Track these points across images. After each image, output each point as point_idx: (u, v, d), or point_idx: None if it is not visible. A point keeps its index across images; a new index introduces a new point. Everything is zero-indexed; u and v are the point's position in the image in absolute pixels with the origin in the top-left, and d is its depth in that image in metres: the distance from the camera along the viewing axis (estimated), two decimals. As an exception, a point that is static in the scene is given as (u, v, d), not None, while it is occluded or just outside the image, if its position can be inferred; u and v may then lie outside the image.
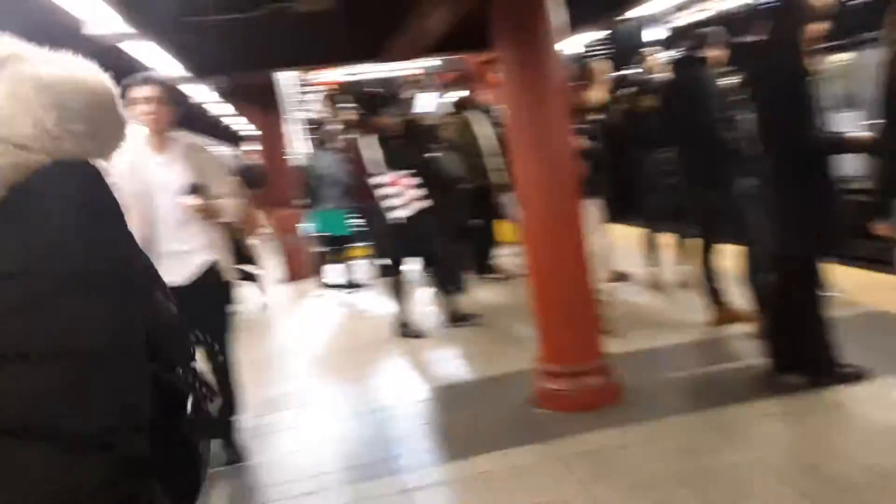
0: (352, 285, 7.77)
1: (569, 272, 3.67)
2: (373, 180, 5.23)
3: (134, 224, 2.88)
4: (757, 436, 3.17)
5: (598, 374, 3.66)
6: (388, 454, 3.47)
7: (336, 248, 7.87)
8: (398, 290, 5.56)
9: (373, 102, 6.64)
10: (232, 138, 21.62)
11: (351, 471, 3.36)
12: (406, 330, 5.49)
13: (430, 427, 3.77)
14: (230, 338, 3.38)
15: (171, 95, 3.21)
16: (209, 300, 3.19)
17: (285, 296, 8.07)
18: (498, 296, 6.47)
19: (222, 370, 3.36)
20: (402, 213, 5.14)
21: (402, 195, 5.16)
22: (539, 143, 3.61)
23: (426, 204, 5.18)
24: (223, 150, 20.13)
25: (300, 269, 8.67)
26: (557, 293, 3.68)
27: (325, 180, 7.58)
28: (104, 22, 4.36)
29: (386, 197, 5.14)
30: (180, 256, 3.14)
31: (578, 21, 6.49)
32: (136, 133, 3.09)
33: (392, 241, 5.39)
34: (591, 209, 4.31)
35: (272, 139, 9.04)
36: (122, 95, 2.70)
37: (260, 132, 9.26)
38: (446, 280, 5.72)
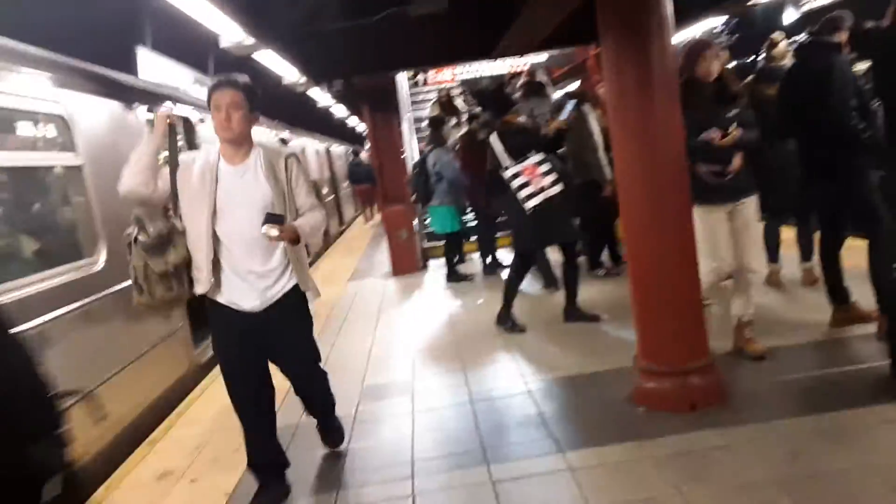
0: (461, 278, 8.00)
1: (673, 267, 3.59)
2: (506, 172, 5.36)
3: (190, 239, 2.93)
4: (871, 442, 2.97)
5: (702, 374, 3.56)
6: (484, 444, 3.56)
7: (448, 242, 8.14)
8: (519, 280, 5.68)
9: (497, 101, 6.86)
10: (354, 138, 22.53)
11: (447, 458, 3.49)
12: (510, 324, 5.59)
13: (527, 420, 3.82)
14: (314, 350, 3.49)
15: (251, 99, 2.94)
16: (287, 322, 3.14)
17: (393, 288, 8.38)
18: (606, 291, 6.40)
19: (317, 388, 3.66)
20: (535, 202, 5.23)
21: (534, 184, 5.27)
22: (642, 136, 3.55)
23: (557, 190, 5.22)
24: (339, 148, 21.02)
25: (408, 263, 9.02)
26: (660, 288, 3.62)
27: (438, 177, 7.82)
28: (235, 35, 4.73)
29: (521, 187, 5.27)
30: (253, 280, 2.99)
31: (699, 8, 6.29)
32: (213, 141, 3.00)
33: (531, 231, 5.43)
34: (752, 204, 4.12)
35: (386, 138, 9.42)
36: (208, 99, 2.84)
37: (374, 131, 9.66)
38: (568, 274, 5.71)
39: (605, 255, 7.31)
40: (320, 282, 8.04)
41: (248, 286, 2.99)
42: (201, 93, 6.86)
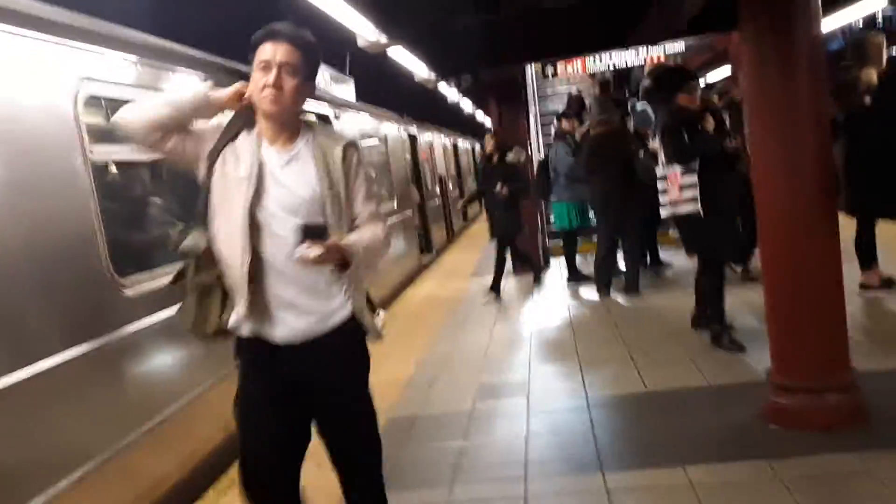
0: (581, 278, 7.81)
1: (814, 274, 3.31)
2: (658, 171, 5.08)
3: (219, 242, 2.09)
4: None
5: (841, 392, 3.28)
6: (600, 451, 3.48)
7: (566, 241, 7.97)
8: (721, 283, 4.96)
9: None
10: (480, 133, 22.69)
11: (561, 463, 3.44)
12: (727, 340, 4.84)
13: (646, 429, 3.69)
14: (372, 423, 2.37)
15: (310, 65, 2.13)
16: (334, 362, 2.20)
17: (514, 286, 8.35)
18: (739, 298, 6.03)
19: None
20: (665, 213, 5.02)
21: (670, 194, 4.88)
22: (784, 131, 3.30)
23: (688, 210, 4.72)
24: (465, 143, 21.17)
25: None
26: (798, 298, 3.35)
27: (555, 173, 7.68)
28: (371, 34, 4.91)
29: (663, 192, 5.01)
30: (292, 308, 2.12)
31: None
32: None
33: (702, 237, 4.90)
34: None
35: (512, 132, 9.39)
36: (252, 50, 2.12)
37: (500, 125, 9.66)
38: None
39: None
40: (444, 277, 8.17)
41: (283, 313, 2.13)
42: (338, 90, 7.19)
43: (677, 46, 8.67)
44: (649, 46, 8.51)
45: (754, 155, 3.52)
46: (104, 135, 3.43)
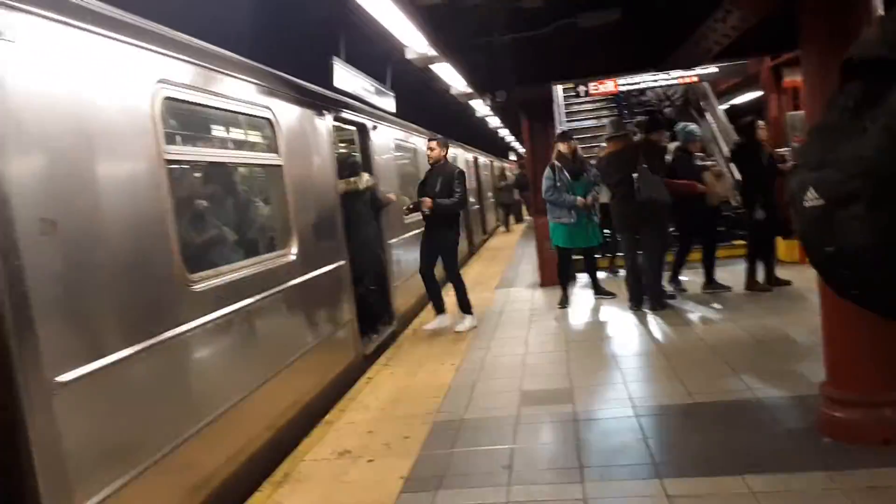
0: (605, 293, 7.84)
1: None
2: None
3: None
4: None
5: (899, 407, 3.31)
6: (654, 458, 3.53)
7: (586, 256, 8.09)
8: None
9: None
10: (503, 149, 22.83)
11: (616, 468, 3.49)
12: None
13: (699, 439, 3.73)
14: None
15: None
16: None
17: (542, 299, 8.40)
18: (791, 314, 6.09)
19: None
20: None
21: None
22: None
23: None
24: (485, 159, 21.29)
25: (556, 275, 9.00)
26: (854, 310, 3.37)
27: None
28: (418, 47, 5.03)
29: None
30: None
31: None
32: None
33: None
34: None
35: (541, 148, 9.49)
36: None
37: (530, 141, 9.76)
38: None
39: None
40: (470, 287, 8.13)
41: None
42: (378, 102, 7.32)
43: (709, 69, 8.78)
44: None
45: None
46: (176, 136, 3.54)
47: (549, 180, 7.54)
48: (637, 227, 7.01)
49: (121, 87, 3.10)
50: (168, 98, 3.45)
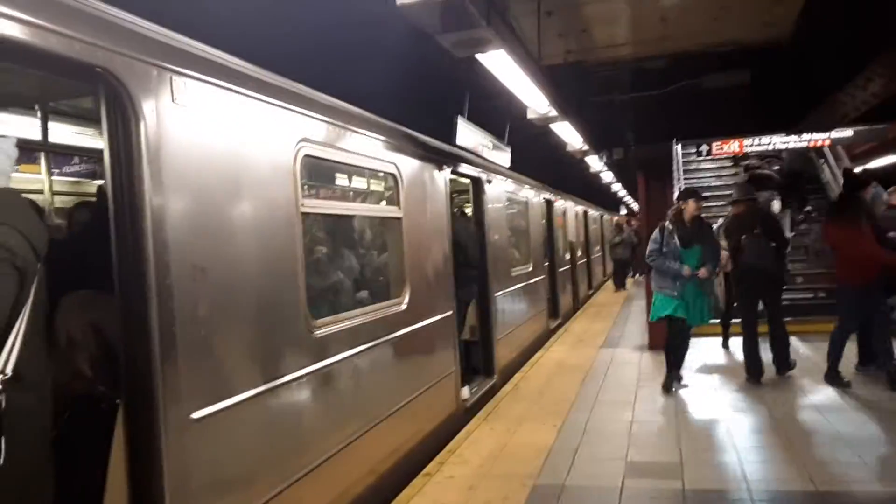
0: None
1: None
2: None
3: None
4: None
5: None
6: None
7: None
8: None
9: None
10: (614, 204, 22.48)
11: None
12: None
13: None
14: None
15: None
16: None
17: (649, 362, 8.11)
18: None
19: None
20: None
21: None
22: None
23: None
24: (595, 212, 21.04)
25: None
26: None
27: None
28: (540, 107, 5.15)
29: None
30: None
31: None
32: None
33: None
34: None
35: (658, 206, 9.31)
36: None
37: (646, 199, 9.60)
38: None
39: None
40: (572, 344, 8.00)
41: None
42: (494, 156, 7.49)
43: (845, 132, 8.35)
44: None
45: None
46: (311, 189, 3.79)
47: (656, 243, 6.69)
48: (755, 294, 6.68)
49: (269, 146, 3.38)
50: (307, 155, 3.72)
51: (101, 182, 3.91)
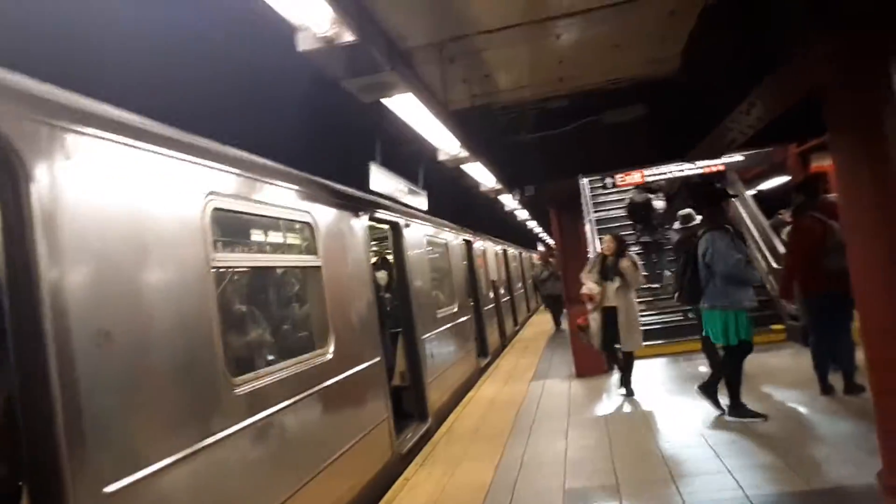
0: (752, 415, 5.87)
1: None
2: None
3: None
4: None
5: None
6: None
7: (726, 359, 6.21)
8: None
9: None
10: (529, 241, 22.99)
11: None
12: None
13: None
14: None
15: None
16: None
17: (579, 391, 8.25)
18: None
19: None
20: None
21: None
22: (881, 232, 3.37)
23: None
24: (514, 250, 21.48)
25: (593, 364, 8.89)
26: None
27: (708, 271, 6.81)
28: (450, 149, 5.26)
29: None
30: None
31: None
32: None
33: None
34: None
35: (571, 239, 9.62)
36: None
37: (560, 233, 9.90)
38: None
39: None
40: (503, 381, 8.08)
41: None
42: (411, 201, 7.55)
43: (735, 157, 8.95)
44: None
45: (851, 257, 3.58)
46: (222, 244, 3.69)
47: (732, 247, 5.79)
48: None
49: (174, 201, 3.28)
50: (217, 209, 3.64)
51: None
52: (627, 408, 7.10)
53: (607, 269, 7.44)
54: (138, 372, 2.83)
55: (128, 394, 2.74)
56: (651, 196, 11.28)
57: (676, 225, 9.20)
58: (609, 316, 7.42)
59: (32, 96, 2.54)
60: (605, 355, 8.32)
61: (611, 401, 7.50)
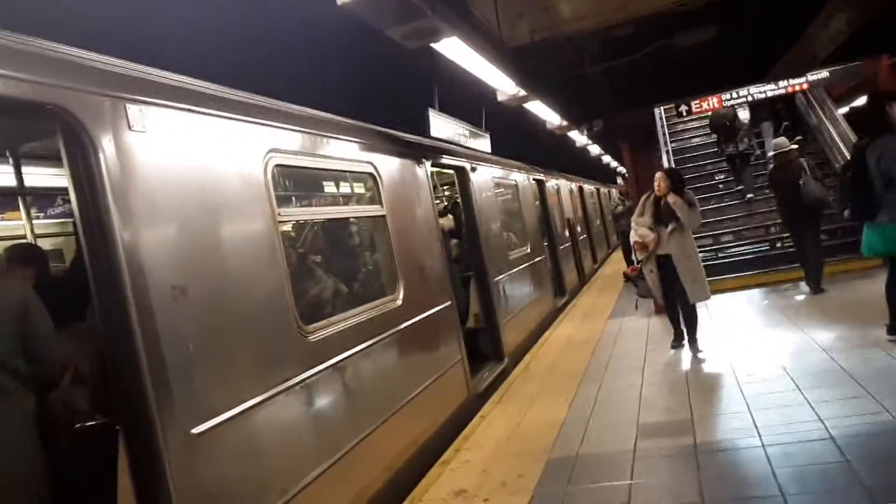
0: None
1: None
2: None
3: None
4: None
5: None
6: (784, 492, 3.33)
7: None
8: None
9: None
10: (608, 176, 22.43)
11: (743, 502, 3.32)
12: None
13: (831, 469, 3.48)
14: None
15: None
16: None
17: (657, 328, 8.12)
18: None
19: None
20: None
21: None
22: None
23: None
24: (590, 187, 21.00)
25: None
26: None
27: (886, 181, 6.01)
28: (509, 89, 5.17)
29: None
30: None
31: None
32: None
33: None
34: None
35: (646, 172, 9.31)
36: None
37: (633, 166, 9.60)
38: None
39: None
40: (580, 320, 8.08)
41: None
42: (474, 144, 7.51)
43: (821, 73, 8.32)
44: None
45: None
46: (287, 198, 3.84)
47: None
48: None
49: (236, 161, 3.42)
50: (278, 165, 3.77)
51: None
52: (706, 345, 6.96)
53: (661, 212, 6.51)
54: (214, 323, 3.03)
55: (206, 344, 2.95)
56: (735, 106, 10.78)
57: (769, 151, 8.75)
58: (663, 264, 6.57)
59: (93, 71, 2.69)
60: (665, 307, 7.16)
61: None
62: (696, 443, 4.22)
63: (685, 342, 6.74)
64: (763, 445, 3.96)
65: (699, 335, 6.66)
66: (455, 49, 4.07)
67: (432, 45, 3.86)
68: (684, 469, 3.87)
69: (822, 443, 3.84)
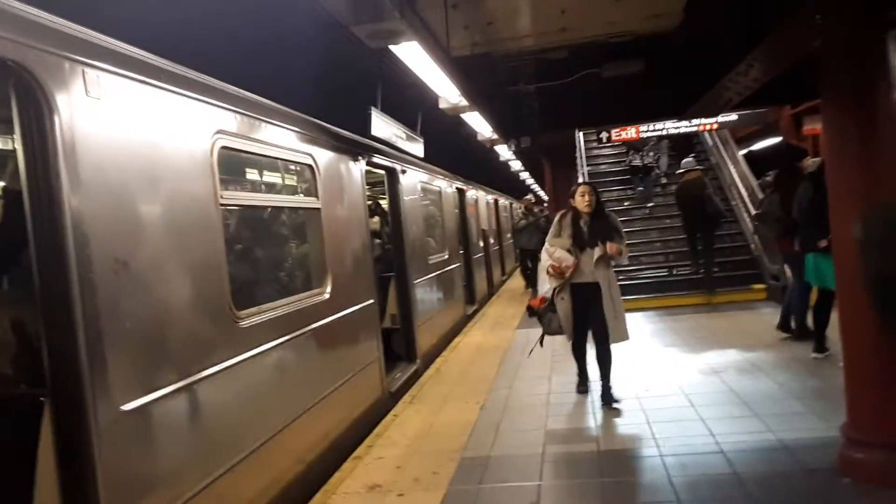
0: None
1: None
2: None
3: None
4: None
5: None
6: (680, 499, 3.63)
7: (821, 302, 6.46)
8: None
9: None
10: (522, 191, 23.06)
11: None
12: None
13: (722, 480, 3.83)
14: None
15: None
16: None
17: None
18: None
19: None
20: None
21: None
22: (864, 195, 3.53)
23: None
24: (505, 201, 21.56)
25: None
26: (876, 350, 3.51)
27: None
28: (451, 97, 5.32)
29: None
30: None
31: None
32: None
33: None
34: None
35: (563, 190, 9.75)
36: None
37: (552, 183, 10.02)
38: None
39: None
40: (489, 328, 8.28)
41: None
42: (408, 147, 7.62)
43: (730, 116, 9.04)
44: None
45: (833, 216, 3.74)
46: (229, 182, 3.80)
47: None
48: None
49: (186, 138, 3.37)
50: (224, 147, 3.73)
51: (2, 184, 3.76)
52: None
53: (582, 233, 5.45)
54: (152, 301, 2.98)
55: (143, 321, 2.89)
56: None
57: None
58: (580, 294, 5.48)
59: (54, 31, 2.61)
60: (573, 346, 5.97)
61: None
62: (600, 450, 4.51)
63: (590, 386, 5.93)
64: (661, 455, 4.28)
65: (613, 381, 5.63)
66: (410, 53, 4.18)
67: (390, 46, 3.95)
68: (588, 474, 4.13)
69: (714, 455, 4.20)
